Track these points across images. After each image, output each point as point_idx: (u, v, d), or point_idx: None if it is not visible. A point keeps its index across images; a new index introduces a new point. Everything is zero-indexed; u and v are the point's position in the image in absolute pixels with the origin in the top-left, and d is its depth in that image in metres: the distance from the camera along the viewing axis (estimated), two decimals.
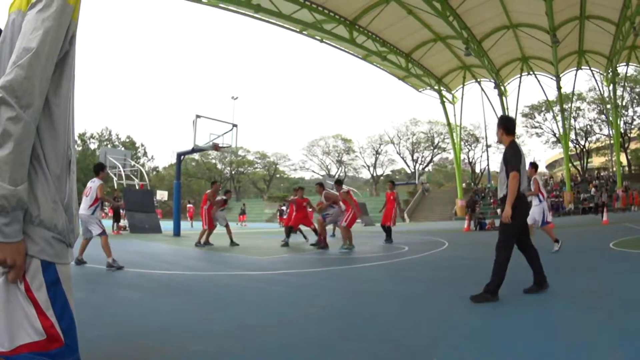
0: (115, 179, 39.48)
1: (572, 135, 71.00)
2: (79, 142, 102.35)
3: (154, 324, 5.97)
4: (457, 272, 11.17)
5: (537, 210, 14.53)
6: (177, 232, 27.64)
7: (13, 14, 2.14)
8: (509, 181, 7.28)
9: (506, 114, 56.48)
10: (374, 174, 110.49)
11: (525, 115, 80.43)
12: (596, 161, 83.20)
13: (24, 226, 1.97)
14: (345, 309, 6.79)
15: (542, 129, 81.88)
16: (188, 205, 57.02)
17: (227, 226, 20.41)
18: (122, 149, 75.79)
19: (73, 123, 2.24)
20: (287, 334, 5.39)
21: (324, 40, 42.94)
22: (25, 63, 1.89)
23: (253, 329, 5.65)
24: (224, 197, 21.59)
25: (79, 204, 10.52)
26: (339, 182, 19.09)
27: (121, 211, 30.64)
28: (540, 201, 14.52)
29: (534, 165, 14.96)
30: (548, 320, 5.85)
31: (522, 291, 7.50)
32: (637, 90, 71.28)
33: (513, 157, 7.45)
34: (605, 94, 56.38)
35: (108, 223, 35.58)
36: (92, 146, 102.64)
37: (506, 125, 7.72)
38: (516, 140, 7.74)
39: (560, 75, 52.55)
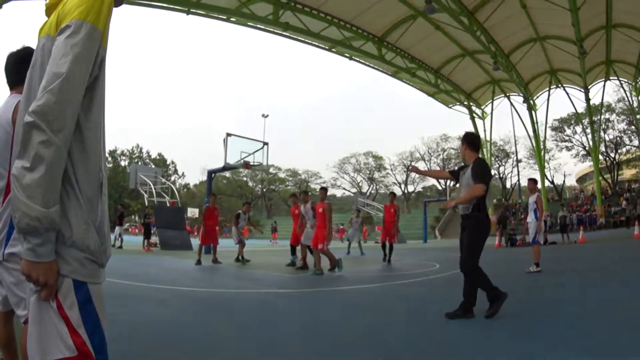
0: (146, 196, 39.66)
1: (602, 148, 70.08)
2: (109, 159, 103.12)
3: (182, 341, 6.05)
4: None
5: (532, 227, 14.59)
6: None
7: (43, 39, 2.21)
8: (474, 188, 7.43)
9: (535, 128, 56.30)
10: (405, 191, 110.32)
11: (554, 129, 79.57)
12: (627, 173, 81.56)
13: (57, 247, 2.01)
14: (379, 326, 6.88)
15: (571, 142, 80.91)
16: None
17: (240, 242, 20.87)
18: (153, 166, 76.92)
19: (104, 146, 2.31)
20: (319, 354, 5.48)
21: (353, 57, 43.43)
22: (55, 88, 1.93)
23: (284, 349, 5.73)
24: (238, 212, 21.96)
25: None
26: (324, 189, 17.61)
27: (152, 228, 30.83)
28: (536, 218, 14.52)
29: (535, 181, 15.03)
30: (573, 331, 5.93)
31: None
32: None
33: (484, 172, 7.69)
34: (635, 104, 55.55)
35: (139, 240, 35.97)
36: (123, 163, 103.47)
37: (471, 140, 8.07)
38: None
39: (589, 87, 52.03)
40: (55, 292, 2.02)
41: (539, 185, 16.51)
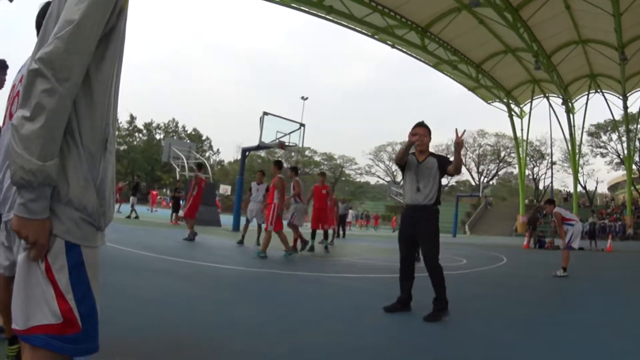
0: (178, 170, 39.78)
1: (636, 158, 69.07)
2: (144, 131, 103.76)
3: (196, 316, 5.93)
4: (512, 289, 11.11)
5: (574, 232, 14.41)
6: (236, 226, 27.67)
7: None
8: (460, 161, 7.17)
9: (572, 131, 56.03)
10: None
11: (591, 134, 78.65)
12: None
13: (52, 204, 1.92)
14: (398, 319, 6.69)
15: (606, 149, 79.96)
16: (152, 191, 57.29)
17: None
18: (188, 141, 76.14)
19: (116, 102, 2.22)
20: (338, 342, 5.25)
21: (395, 45, 43.67)
22: (65, 35, 1.83)
23: (298, 332, 5.57)
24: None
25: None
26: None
27: (181, 202, 30.86)
28: (572, 225, 14.38)
29: (550, 202, 14.97)
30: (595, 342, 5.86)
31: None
32: None
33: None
34: None
35: (168, 213, 36.15)
36: (158, 136, 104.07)
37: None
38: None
39: (627, 95, 51.80)
40: (45, 253, 1.93)
41: (571, 189, 16.32)
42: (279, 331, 5.51)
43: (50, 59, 1.80)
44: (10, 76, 4.60)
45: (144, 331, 5.01)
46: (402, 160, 7.32)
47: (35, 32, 2.56)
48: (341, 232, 27.36)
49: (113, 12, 2.01)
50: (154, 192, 63.97)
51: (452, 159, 7.16)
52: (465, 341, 5.63)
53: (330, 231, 21.12)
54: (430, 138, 7.43)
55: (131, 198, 31.41)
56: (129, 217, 28.76)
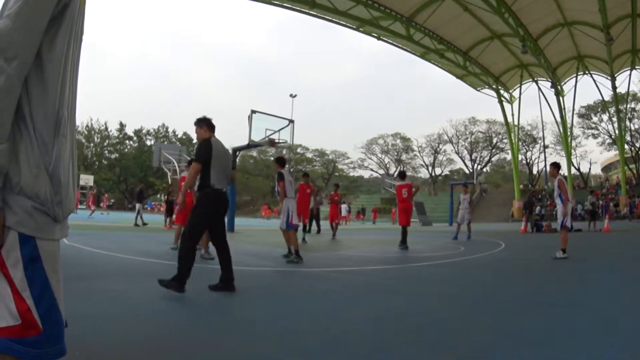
0: (169, 174, 39.78)
1: (628, 137, 69.77)
2: (134, 137, 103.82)
3: (190, 320, 5.85)
4: (514, 275, 11.03)
5: (559, 211, 14.31)
6: (230, 227, 27.48)
7: None
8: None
9: (563, 114, 56.26)
10: (433, 174, 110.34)
11: (581, 116, 79.43)
12: None
13: (4, 194, 1.80)
14: (402, 310, 6.59)
15: (597, 130, 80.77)
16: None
17: None
18: (178, 144, 76.20)
19: (73, 84, 2.09)
20: (336, 334, 5.18)
21: (381, 37, 43.72)
22: (13, 13, 1.74)
23: (298, 329, 5.45)
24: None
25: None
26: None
27: (174, 205, 30.73)
28: (562, 202, 14.24)
29: (556, 166, 14.76)
30: (605, 323, 5.74)
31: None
32: None
33: (199, 151, 7.76)
34: None
35: (161, 217, 36.10)
36: (149, 142, 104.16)
37: (200, 122, 7.99)
38: (214, 138, 7.90)
39: (615, 75, 52.04)
40: None
41: (565, 172, 16.09)
42: (278, 329, 5.41)
43: None
44: None
45: (138, 335, 4.92)
46: None
47: None
48: (315, 228, 27.24)
49: None
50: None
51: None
52: (468, 328, 5.52)
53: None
54: (196, 127, 8.08)
55: (137, 205, 31.21)
56: (136, 224, 28.61)
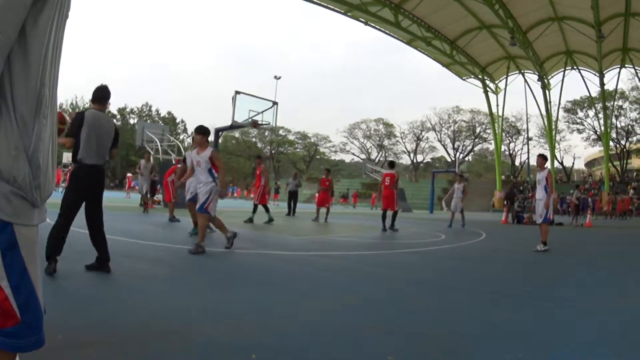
0: (152, 153, 39.57)
1: (613, 134, 69.77)
2: (118, 116, 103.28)
3: (174, 303, 5.68)
4: (495, 265, 11.10)
5: (541, 204, 14.32)
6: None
7: None
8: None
9: (548, 107, 56.40)
10: (414, 160, 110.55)
11: (567, 110, 79.28)
12: (636, 162, 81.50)
13: None
14: (380, 297, 6.57)
15: (583, 125, 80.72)
16: (128, 175, 57.22)
17: None
18: (161, 124, 75.35)
19: (56, 62, 1.94)
20: (312, 321, 5.15)
21: (368, 22, 43.18)
22: None
23: (276, 314, 5.39)
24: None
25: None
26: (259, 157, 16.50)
27: (157, 186, 30.45)
28: (546, 194, 14.25)
29: (544, 158, 14.80)
30: (584, 316, 5.81)
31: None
32: None
33: (73, 123, 7.38)
34: None
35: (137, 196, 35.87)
36: (132, 121, 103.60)
37: (96, 95, 7.65)
38: (92, 111, 7.49)
39: (604, 72, 51.86)
40: None
41: (548, 165, 16.05)
42: (254, 313, 5.41)
43: None
44: None
45: (113, 319, 4.81)
46: None
47: None
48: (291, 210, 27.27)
49: None
50: (129, 175, 63.66)
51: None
52: (452, 319, 5.51)
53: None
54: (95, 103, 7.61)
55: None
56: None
